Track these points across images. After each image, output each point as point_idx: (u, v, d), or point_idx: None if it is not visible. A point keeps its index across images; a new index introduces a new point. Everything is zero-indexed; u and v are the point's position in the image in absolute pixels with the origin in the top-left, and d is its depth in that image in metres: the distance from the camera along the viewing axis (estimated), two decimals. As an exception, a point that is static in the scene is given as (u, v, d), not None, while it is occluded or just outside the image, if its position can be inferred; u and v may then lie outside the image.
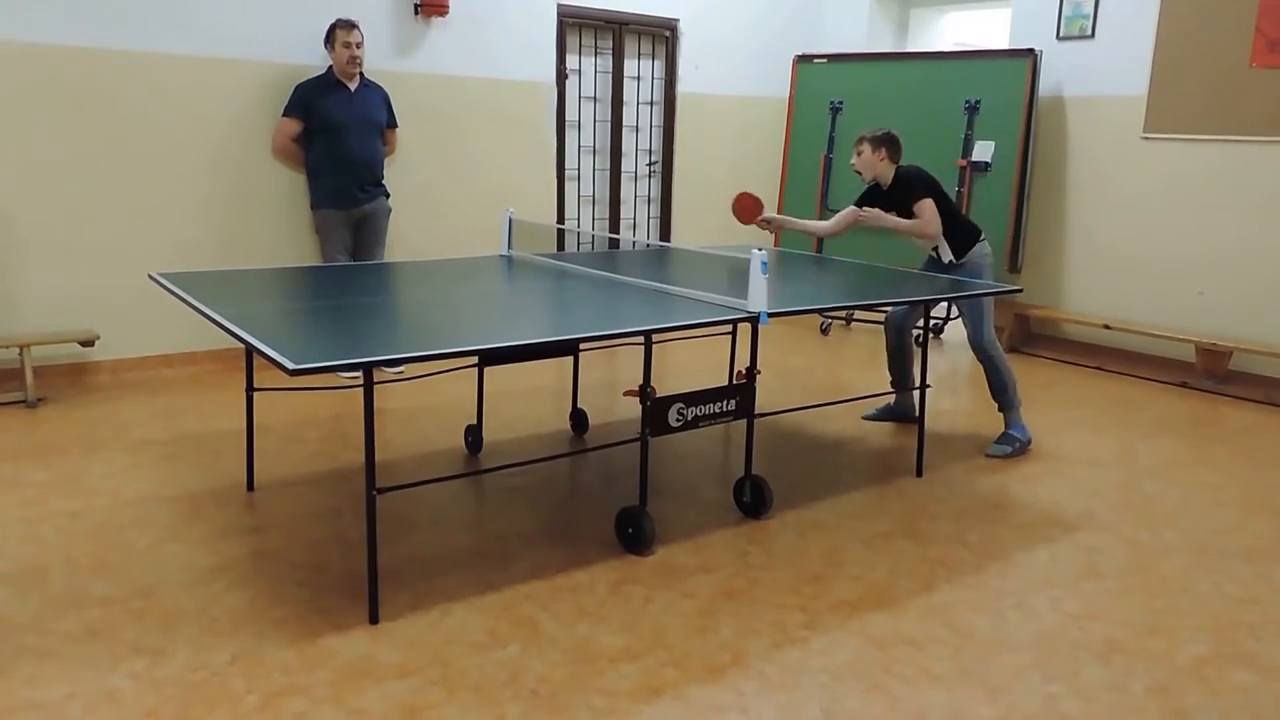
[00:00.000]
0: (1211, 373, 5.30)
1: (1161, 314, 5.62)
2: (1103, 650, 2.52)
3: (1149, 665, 2.46)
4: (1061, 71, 5.99)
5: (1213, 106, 5.33)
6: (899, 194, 4.06)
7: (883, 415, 4.53)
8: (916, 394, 4.09)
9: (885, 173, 4.08)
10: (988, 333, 4.08)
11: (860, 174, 4.13)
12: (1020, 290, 4.11)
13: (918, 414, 3.89)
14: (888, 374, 4.50)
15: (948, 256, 4.11)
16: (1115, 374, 5.60)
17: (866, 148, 4.07)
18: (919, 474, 3.80)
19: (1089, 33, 5.86)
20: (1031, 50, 5.92)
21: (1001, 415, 4.19)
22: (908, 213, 4.01)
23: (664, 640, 2.49)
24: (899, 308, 4.27)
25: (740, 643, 2.49)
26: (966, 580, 2.90)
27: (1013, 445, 4.09)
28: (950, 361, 5.93)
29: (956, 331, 6.75)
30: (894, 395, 4.50)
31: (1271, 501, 3.63)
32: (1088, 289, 6.01)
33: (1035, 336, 6.28)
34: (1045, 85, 6.04)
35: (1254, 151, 5.19)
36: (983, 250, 4.12)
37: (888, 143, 4.05)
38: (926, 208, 3.97)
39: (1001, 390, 4.14)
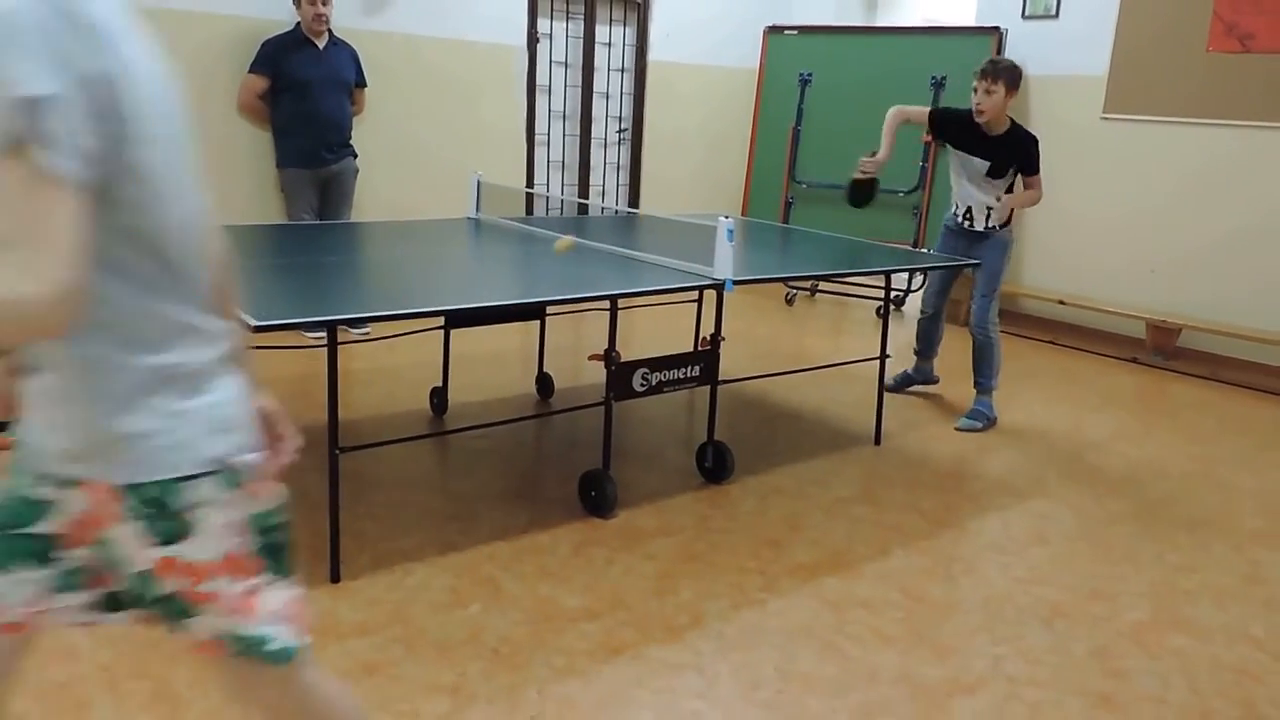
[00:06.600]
0: (1160, 349, 5.44)
1: (1114, 291, 5.74)
2: (1048, 614, 2.61)
3: (1091, 629, 2.55)
4: (1025, 50, 6.04)
5: (1170, 89, 5.42)
6: (1012, 152, 3.71)
7: (902, 383, 4.57)
8: (935, 362, 4.35)
9: (1004, 121, 3.69)
10: (993, 312, 4.10)
11: (981, 113, 3.61)
12: (978, 264, 4.13)
13: (933, 378, 4.32)
14: (914, 344, 4.50)
15: (996, 220, 3.97)
16: (1068, 348, 5.73)
17: (1001, 88, 3.51)
18: (877, 442, 3.88)
19: (1053, 12, 5.91)
20: (997, 28, 5.98)
21: (976, 392, 4.18)
22: (1001, 168, 3.80)
23: (624, 601, 2.54)
24: (929, 292, 4.34)
25: (699, 604, 2.55)
26: (920, 546, 2.98)
27: (983, 421, 4.12)
28: (909, 332, 6.00)
29: (914, 304, 6.83)
30: (915, 363, 4.53)
31: (1213, 474, 3.75)
32: (1044, 265, 6.12)
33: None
34: (1011, 63, 6.10)
35: (1208, 134, 5.30)
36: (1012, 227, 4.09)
37: (1018, 86, 3.55)
38: (1040, 182, 3.86)
39: (990, 372, 4.14)
